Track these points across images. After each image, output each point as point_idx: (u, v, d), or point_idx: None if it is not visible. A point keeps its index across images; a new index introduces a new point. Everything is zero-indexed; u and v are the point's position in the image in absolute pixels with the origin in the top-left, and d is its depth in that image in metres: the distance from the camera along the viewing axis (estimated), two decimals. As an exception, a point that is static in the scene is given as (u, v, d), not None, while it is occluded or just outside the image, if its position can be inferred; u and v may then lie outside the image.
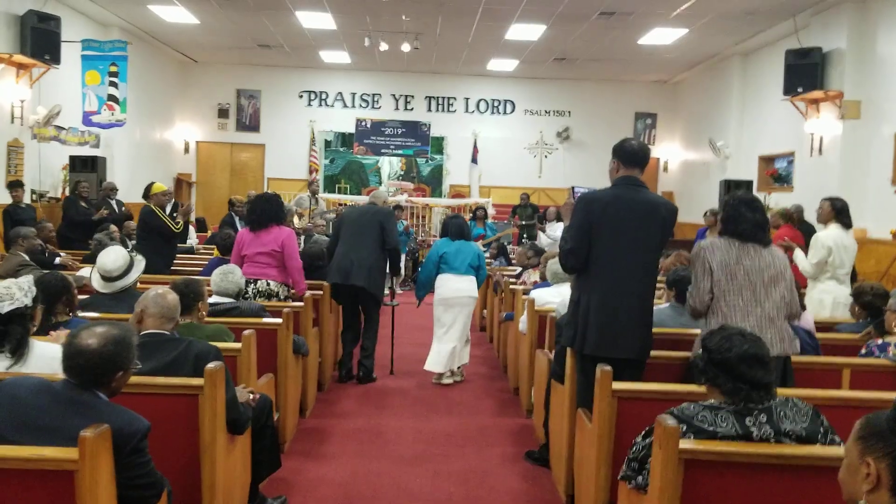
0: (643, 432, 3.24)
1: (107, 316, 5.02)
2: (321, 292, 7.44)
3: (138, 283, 5.61)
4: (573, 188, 5.40)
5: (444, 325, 7.98)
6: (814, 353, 5.06)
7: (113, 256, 5.37)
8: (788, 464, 2.91)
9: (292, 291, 7.04)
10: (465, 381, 8.10)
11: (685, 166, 19.26)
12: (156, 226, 8.69)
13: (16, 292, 3.49)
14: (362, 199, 17.16)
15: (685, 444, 2.91)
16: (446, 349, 7.95)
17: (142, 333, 3.90)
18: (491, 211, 16.33)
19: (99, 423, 2.65)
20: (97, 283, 5.36)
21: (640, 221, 4.42)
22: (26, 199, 11.70)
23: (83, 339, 2.89)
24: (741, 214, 4.36)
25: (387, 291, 9.22)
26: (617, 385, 3.89)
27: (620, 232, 4.40)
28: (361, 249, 7.69)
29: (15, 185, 11.11)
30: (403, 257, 14.08)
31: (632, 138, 4.82)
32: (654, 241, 4.48)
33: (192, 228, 12.65)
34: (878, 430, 2.14)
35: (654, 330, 4.61)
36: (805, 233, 9.72)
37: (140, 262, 5.51)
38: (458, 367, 8.11)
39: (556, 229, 13.55)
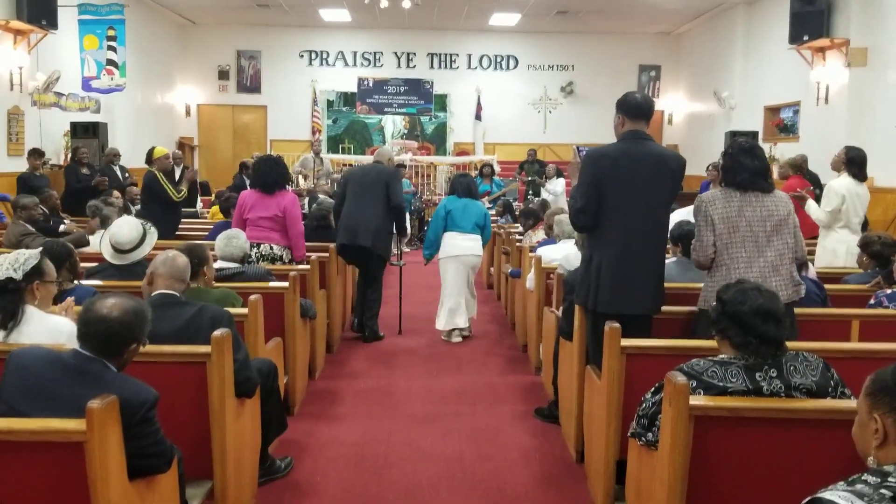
0: (652, 389, 3.23)
1: (113, 284, 5.00)
2: (327, 255, 7.42)
3: (146, 252, 5.60)
4: (577, 147, 5.35)
5: (451, 282, 8.00)
6: (822, 304, 5.03)
7: (126, 230, 5.32)
8: (799, 418, 2.90)
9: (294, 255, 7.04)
10: (474, 339, 8.11)
11: (690, 118, 19.13)
12: (158, 192, 8.64)
13: (2, 263, 3.48)
14: (366, 159, 17.09)
15: (695, 400, 2.89)
16: (454, 306, 8.00)
17: (153, 294, 3.93)
18: (496, 168, 16.27)
19: (107, 393, 2.65)
20: (108, 254, 5.33)
21: (650, 175, 4.36)
22: (26, 166, 11.67)
23: (102, 308, 2.89)
24: (740, 163, 4.31)
25: (394, 251, 9.20)
26: (626, 342, 3.87)
27: (630, 187, 4.33)
28: (367, 209, 7.67)
29: (34, 154, 11.12)
30: (408, 216, 14.07)
31: (635, 91, 4.76)
32: (665, 195, 4.43)
33: (197, 194, 12.62)
34: (884, 386, 2.14)
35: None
36: (812, 182, 9.66)
37: (153, 234, 5.47)
38: (467, 323, 8.13)
39: (556, 185, 13.54)
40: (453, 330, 8.04)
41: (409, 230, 11.94)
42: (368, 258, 7.86)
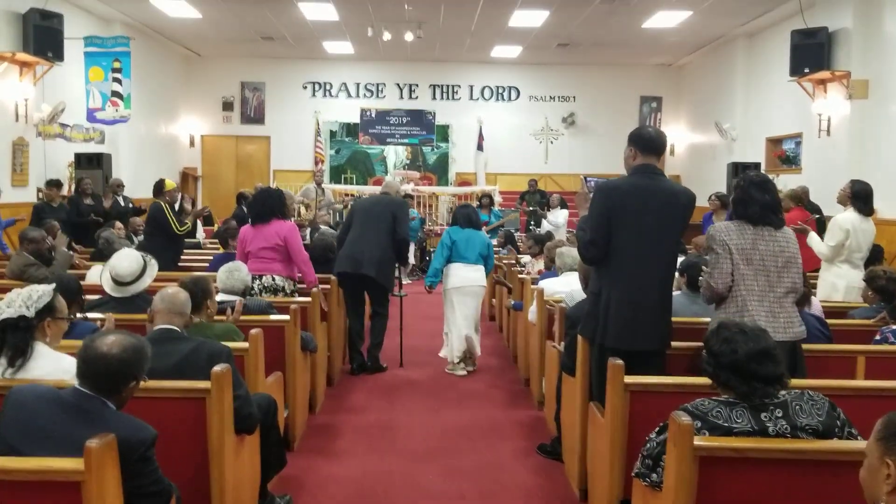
0: (657, 429, 3.19)
1: (114, 317, 4.97)
2: (329, 286, 7.39)
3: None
4: (585, 178, 5.33)
5: (455, 313, 7.98)
6: (826, 341, 4.98)
7: (126, 262, 5.30)
8: (805, 458, 2.86)
9: (299, 285, 6.99)
10: (476, 372, 8.06)
11: (692, 149, 19.15)
12: (162, 224, 8.65)
13: (15, 300, 3.45)
14: (368, 189, 17.15)
15: (700, 440, 2.86)
16: (460, 336, 7.98)
17: (153, 330, 3.93)
18: (498, 198, 16.30)
19: (105, 432, 2.62)
20: (108, 287, 5.30)
21: (661, 210, 4.33)
22: (30, 197, 11.70)
23: (102, 345, 2.88)
24: (751, 197, 4.28)
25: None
26: (629, 378, 3.83)
27: (641, 221, 4.30)
28: (372, 239, 7.67)
29: (52, 184, 11.15)
30: (412, 247, 14.08)
31: (648, 126, 4.76)
32: (675, 231, 4.41)
33: (198, 223, 12.61)
34: None
35: (666, 319, 4.56)
36: (813, 213, 9.64)
37: (153, 267, 5.45)
38: (471, 358, 8.10)
39: (557, 216, 13.54)
40: (460, 362, 8.02)
41: (410, 260, 11.95)
42: (370, 288, 7.84)
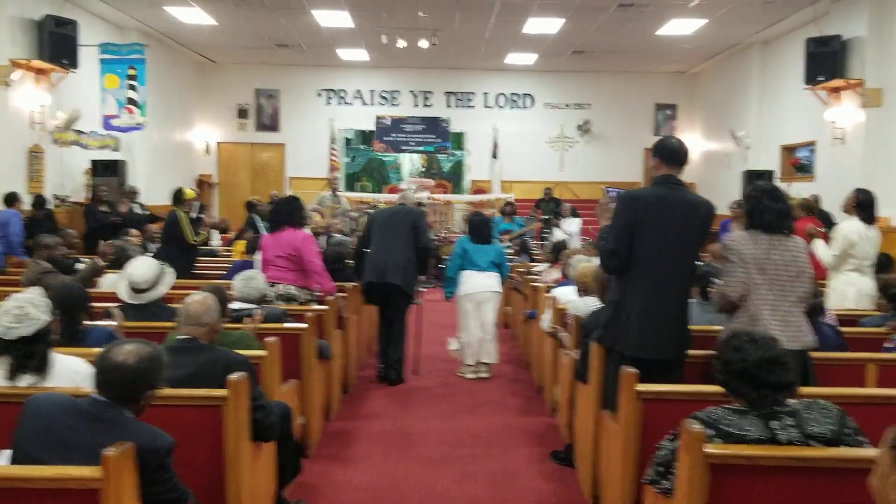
0: (669, 436, 3.22)
1: (129, 324, 5.04)
2: (344, 294, 7.44)
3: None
4: (607, 189, 5.36)
5: (471, 319, 8.08)
6: (839, 350, 4.99)
7: (143, 269, 5.36)
8: (816, 466, 2.88)
9: (316, 295, 7.03)
10: (490, 379, 8.10)
11: (706, 157, 19.13)
12: (177, 233, 8.73)
13: (31, 311, 3.48)
14: (384, 197, 17.23)
15: (711, 448, 2.89)
16: (470, 343, 8.08)
17: (175, 338, 4.00)
18: (513, 207, 16.30)
19: (123, 440, 2.66)
20: (125, 294, 5.36)
21: (683, 221, 4.38)
22: (48, 206, 11.78)
23: (118, 355, 2.92)
24: (764, 206, 4.31)
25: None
26: (642, 387, 3.86)
27: (663, 232, 4.35)
28: (394, 249, 7.75)
29: (36, 204, 11.11)
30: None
31: (672, 137, 4.79)
32: (696, 241, 4.46)
33: (216, 233, 12.70)
34: None
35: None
36: (824, 221, 9.63)
37: (170, 274, 5.52)
38: (486, 365, 8.20)
39: (570, 225, 13.52)
40: (469, 366, 8.09)
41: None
42: (395, 296, 7.89)
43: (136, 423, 2.87)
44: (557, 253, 9.15)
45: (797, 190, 13.60)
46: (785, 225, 4.31)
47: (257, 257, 7.65)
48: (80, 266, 8.16)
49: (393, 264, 7.67)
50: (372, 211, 12.39)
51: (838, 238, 7.21)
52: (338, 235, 11.07)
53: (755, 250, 4.24)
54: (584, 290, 6.06)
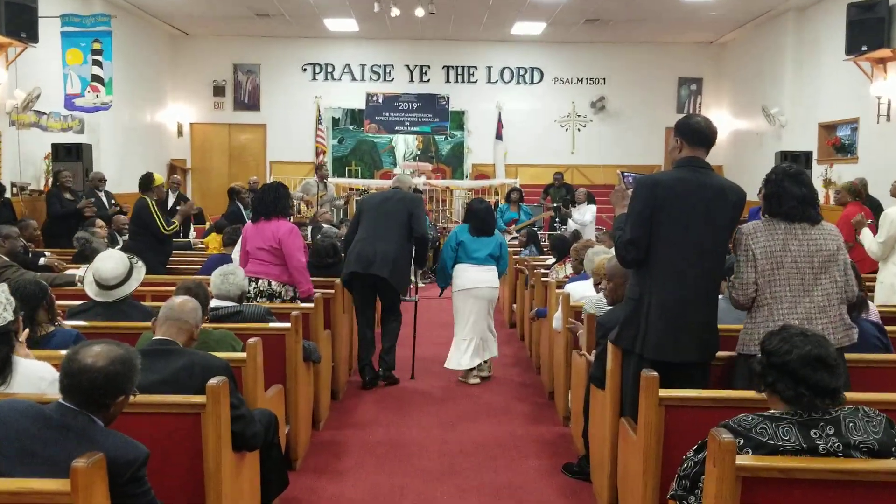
0: (695, 446, 3.23)
1: (98, 324, 5.06)
2: (332, 291, 7.46)
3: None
4: (622, 173, 5.32)
5: (465, 318, 8.10)
6: (884, 350, 4.98)
7: (112, 264, 5.38)
8: (859, 480, 2.88)
9: (298, 293, 7.06)
10: (495, 384, 8.12)
11: (735, 137, 19.12)
12: (148, 223, 8.74)
13: None
14: (375, 183, 17.21)
15: (742, 459, 2.89)
16: (468, 344, 8.07)
17: (150, 340, 4.04)
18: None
19: (93, 451, 2.67)
20: (92, 291, 5.38)
21: (709, 208, 4.36)
22: (5, 195, 11.77)
23: (87, 357, 2.92)
24: (785, 190, 4.31)
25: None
26: (665, 392, 3.87)
27: (687, 220, 4.34)
28: (386, 239, 7.74)
29: None
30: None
31: (697, 115, 4.78)
32: (723, 231, 4.44)
33: (189, 222, 12.71)
34: None
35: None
36: (872, 208, 9.62)
37: (140, 269, 5.55)
38: (486, 361, 8.23)
39: (584, 213, 13.49)
40: (471, 370, 8.09)
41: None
42: (381, 291, 7.92)
43: (106, 432, 2.88)
44: (560, 249, 9.16)
45: (838, 173, 13.60)
46: (808, 213, 4.30)
47: (236, 250, 7.68)
48: (44, 259, 8.19)
49: (382, 255, 7.65)
50: (361, 197, 12.38)
51: (885, 224, 7.21)
52: (326, 226, 11.06)
53: (770, 242, 4.25)
54: (601, 286, 6.07)
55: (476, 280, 8.04)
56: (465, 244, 8.09)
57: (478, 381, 8.11)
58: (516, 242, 12.63)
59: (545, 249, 11.80)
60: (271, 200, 7.12)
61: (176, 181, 14.09)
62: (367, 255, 7.66)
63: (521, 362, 9.14)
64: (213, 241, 10.41)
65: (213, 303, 5.56)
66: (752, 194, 11.95)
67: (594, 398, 5.30)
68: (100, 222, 9.97)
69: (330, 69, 20.29)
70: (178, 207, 10.34)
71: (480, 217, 8.18)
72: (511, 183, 17.13)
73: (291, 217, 7.81)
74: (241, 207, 12.11)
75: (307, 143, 19.81)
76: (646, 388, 3.90)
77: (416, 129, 19.89)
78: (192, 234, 12.87)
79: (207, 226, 13.39)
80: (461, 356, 8.08)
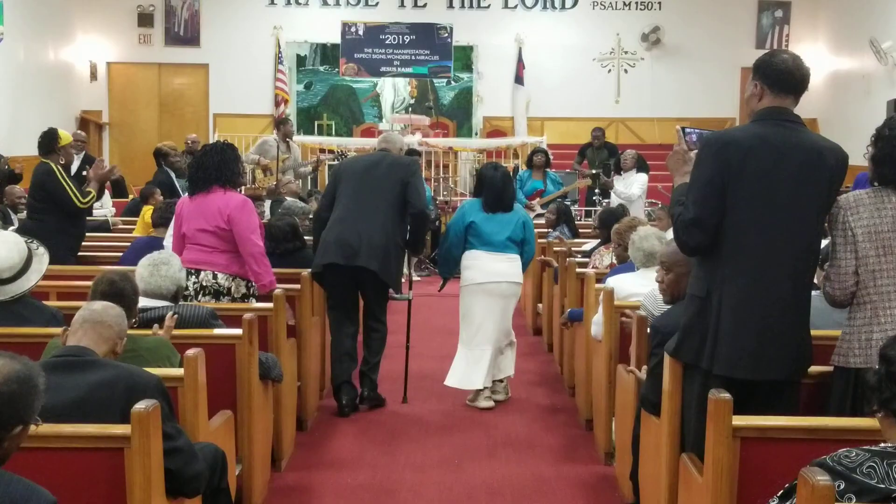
0: (780, 492, 3.23)
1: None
2: (298, 286, 7.45)
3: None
4: (683, 129, 5.24)
5: (476, 323, 8.05)
6: None
7: (4, 251, 5.35)
8: None
9: (253, 287, 7.06)
10: (514, 409, 8.13)
11: (833, 80, 19.08)
12: (56, 195, 8.70)
13: None
14: (355, 143, 17.19)
15: (844, 509, 2.90)
16: (479, 357, 8.02)
17: (60, 347, 4.06)
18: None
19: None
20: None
21: (800, 176, 4.30)
22: None
23: None
24: None
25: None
26: (740, 420, 3.87)
27: (770, 192, 4.28)
28: (373, 219, 7.69)
29: None
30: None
31: (783, 51, 4.74)
32: (819, 205, 4.36)
33: (106, 193, 12.67)
34: None
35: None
36: None
37: (42, 258, 5.52)
38: (502, 381, 8.23)
39: (632, 182, 13.36)
40: (482, 391, 8.07)
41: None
42: (367, 288, 7.90)
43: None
44: (611, 227, 9.05)
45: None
46: None
47: (169, 233, 7.65)
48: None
49: (369, 241, 7.61)
50: (338, 162, 12.32)
51: None
52: (290, 199, 11.04)
53: (876, 219, 4.22)
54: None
55: (491, 272, 7.98)
56: (477, 225, 8.00)
57: (491, 404, 8.09)
58: (542, 222, 12.46)
59: (580, 231, 11.67)
60: (215, 166, 7.03)
61: (80, 138, 13.91)
62: (348, 242, 7.61)
63: (548, 380, 9.15)
64: (144, 219, 10.38)
65: (140, 302, 5.55)
66: (857, 157, 11.95)
67: (646, 428, 5.30)
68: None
69: (294, -9, 20.28)
70: (84, 174, 10.29)
71: (496, 188, 8.11)
72: (535, 142, 17.09)
73: (243, 188, 7.74)
74: (173, 175, 12.08)
75: (263, 89, 19.79)
76: (715, 414, 3.89)
77: (408, 70, 19.86)
78: (111, 210, 12.84)
79: (130, 199, 13.38)
80: (470, 371, 8.03)
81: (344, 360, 7.99)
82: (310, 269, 7.76)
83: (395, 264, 7.89)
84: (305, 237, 8.59)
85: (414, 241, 8.19)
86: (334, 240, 7.67)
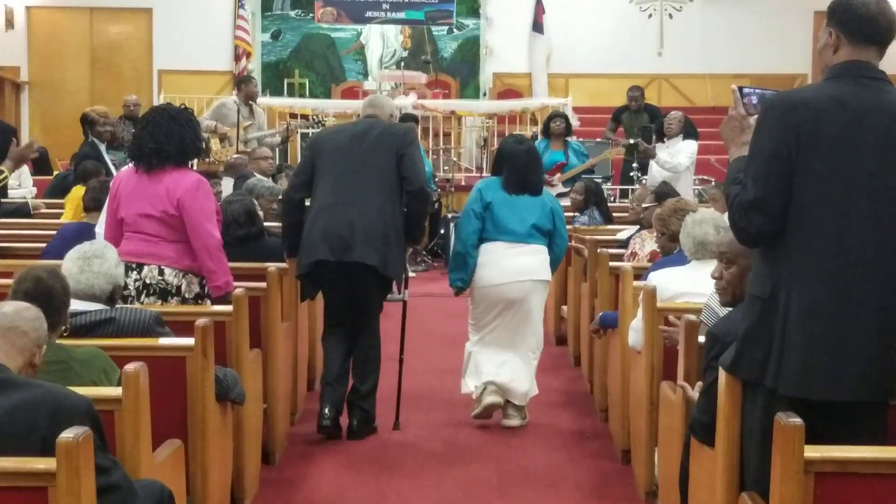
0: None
1: None
2: (264, 285, 7.44)
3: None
4: (740, 89, 5.16)
5: (494, 328, 8.11)
6: None
7: None
8: None
9: (208, 287, 7.04)
10: (534, 435, 8.16)
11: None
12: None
13: None
14: (333, 106, 17.19)
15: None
16: (498, 366, 8.04)
17: None
18: (572, 122, 16.17)
19: None
20: None
21: (886, 146, 4.26)
22: None
23: None
24: None
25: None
26: (813, 451, 3.86)
27: (850, 166, 4.24)
28: (365, 202, 7.68)
29: None
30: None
31: None
32: None
33: (25, 169, 12.66)
34: None
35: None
36: None
37: None
38: (522, 400, 8.21)
39: (678, 152, 13.24)
40: (493, 403, 8.04)
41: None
42: (361, 288, 7.87)
43: None
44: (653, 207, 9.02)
45: None
46: None
47: (102, 219, 7.62)
48: None
49: (363, 228, 7.58)
50: (316, 131, 12.30)
51: None
52: (258, 177, 11.03)
53: None
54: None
55: (511, 269, 7.97)
56: (495, 207, 7.99)
57: (498, 400, 8.07)
58: (567, 203, 12.37)
59: (613, 216, 11.62)
60: (164, 134, 6.97)
61: None
62: (338, 233, 7.59)
63: (575, 401, 9.16)
64: (74, 202, 10.35)
65: (71, 304, 5.56)
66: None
67: (697, 461, 5.31)
68: None
69: (257, -84, 20.33)
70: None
71: (521, 164, 8.12)
72: (558, 105, 17.08)
73: (194, 163, 7.63)
74: (102, 148, 12.06)
75: (220, 40, 19.81)
76: (783, 443, 3.88)
77: (400, 15, 19.91)
78: (31, 191, 12.83)
79: (55, 176, 13.39)
80: (485, 361, 8.08)
81: (330, 381, 7.94)
82: (274, 264, 7.74)
83: (399, 255, 7.92)
84: (272, 224, 8.56)
85: (412, 227, 8.09)
86: (321, 231, 7.66)
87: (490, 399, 8.00)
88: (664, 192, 9.25)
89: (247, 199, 8.64)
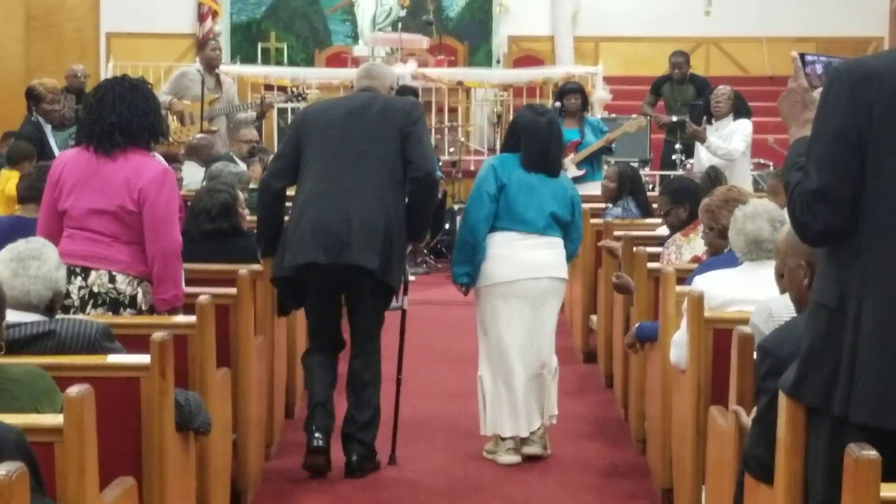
0: None
1: None
2: (233, 291, 7.45)
3: None
4: (802, 56, 5.11)
5: (503, 341, 8.06)
6: None
7: None
8: None
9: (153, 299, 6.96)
10: (557, 469, 8.16)
11: None
12: None
13: None
14: (317, 76, 17.22)
15: None
16: (512, 389, 8.02)
17: None
18: (603, 94, 16.15)
19: None
20: None
21: None
22: None
23: None
24: None
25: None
26: (891, 489, 3.88)
27: None
28: (363, 192, 7.66)
29: None
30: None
31: None
32: None
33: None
34: None
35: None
36: None
37: None
38: (540, 429, 8.19)
39: (730, 135, 13.21)
40: (508, 440, 8.07)
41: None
42: (359, 297, 7.86)
43: None
44: (692, 196, 8.89)
45: None
46: None
47: (40, 214, 7.61)
48: None
49: (362, 224, 7.53)
50: (296, 105, 12.31)
51: None
52: (221, 164, 11.04)
53: None
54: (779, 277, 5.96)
55: (526, 264, 7.98)
56: (511, 191, 7.95)
57: (518, 459, 8.08)
58: (596, 192, 12.32)
59: (651, 207, 11.57)
60: (128, 107, 6.82)
61: None
62: (331, 229, 7.54)
63: (607, 427, 9.17)
64: (4, 192, 10.36)
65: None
66: None
67: (752, 500, 5.32)
68: None
69: None
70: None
71: (541, 138, 8.09)
72: (587, 74, 17.08)
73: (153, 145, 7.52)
74: (48, 129, 12.11)
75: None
76: (855, 479, 3.90)
77: (396, -32, 19.95)
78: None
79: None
80: (508, 412, 8.03)
81: (316, 408, 7.88)
82: (246, 266, 7.67)
83: (400, 256, 7.90)
84: (246, 218, 8.57)
85: (415, 222, 8.01)
86: (310, 226, 7.59)
87: (507, 459, 8.03)
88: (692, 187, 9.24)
89: (232, 191, 8.54)
